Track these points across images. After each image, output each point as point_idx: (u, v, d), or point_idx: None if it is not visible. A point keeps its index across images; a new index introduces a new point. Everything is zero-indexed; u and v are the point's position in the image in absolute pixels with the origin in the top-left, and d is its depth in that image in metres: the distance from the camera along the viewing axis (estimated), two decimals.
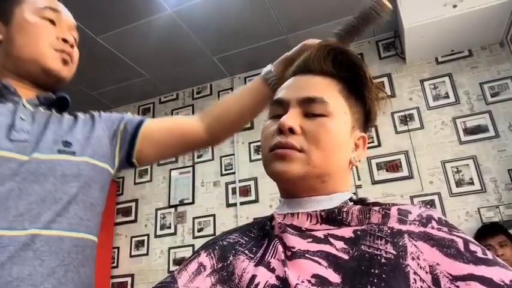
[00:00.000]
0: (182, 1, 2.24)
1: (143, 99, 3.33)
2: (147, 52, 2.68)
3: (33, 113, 0.74)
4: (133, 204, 3.03)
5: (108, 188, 0.82)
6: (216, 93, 3.13)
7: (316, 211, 0.53)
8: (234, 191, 2.75)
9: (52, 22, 0.79)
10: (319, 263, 0.46)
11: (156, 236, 2.86)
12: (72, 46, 0.81)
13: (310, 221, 0.53)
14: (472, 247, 0.44)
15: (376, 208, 0.50)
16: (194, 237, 2.73)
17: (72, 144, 0.73)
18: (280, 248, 0.50)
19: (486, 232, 1.95)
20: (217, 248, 0.56)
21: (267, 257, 0.50)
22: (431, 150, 2.36)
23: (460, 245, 0.44)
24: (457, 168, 2.27)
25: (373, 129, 2.49)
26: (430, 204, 2.24)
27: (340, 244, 0.48)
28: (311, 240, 0.49)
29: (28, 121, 0.71)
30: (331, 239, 0.49)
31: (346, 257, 0.46)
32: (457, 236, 0.45)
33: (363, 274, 0.43)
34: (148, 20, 2.36)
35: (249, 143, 2.84)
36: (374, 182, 2.41)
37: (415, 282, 0.41)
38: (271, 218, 0.59)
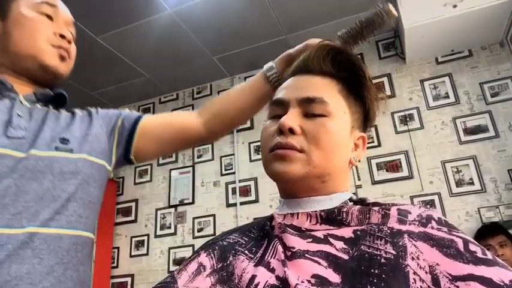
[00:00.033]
0: (182, 1, 2.24)
1: (143, 99, 3.33)
2: (147, 52, 2.68)
3: (30, 109, 0.73)
4: (133, 204, 3.03)
5: (105, 185, 0.81)
6: (216, 93, 3.13)
7: (316, 211, 0.53)
8: (234, 191, 2.75)
9: (49, 17, 0.78)
10: (319, 263, 0.46)
11: (156, 236, 2.86)
12: (69, 42, 0.80)
13: (310, 221, 0.53)
14: (472, 247, 0.44)
15: (376, 208, 0.50)
16: (194, 237, 2.73)
17: (69, 141, 0.72)
18: (280, 248, 0.50)
19: (486, 232, 1.95)
20: (217, 248, 0.56)
21: (266, 257, 0.50)
22: (431, 150, 2.36)
23: (460, 245, 0.44)
24: (457, 168, 2.27)
25: (373, 129, 2.49)
26: (430, 204, 2.24)
27: (340, 244, 0.48)
28: (311, 240, 0.49)
29: (25, 118, 0.70)
30: (331, 239, 0.49)
31: (346, 257, 0.46)
32: (457, 236, 0.45)
33: (362, 274, 0.43)
34: (148, 20, 2.36)
35: (249, 143, 2.84)
36: (374, 182, 2.41)
37: (415, 282, 0.41)
38: (271, 218, 0.59)
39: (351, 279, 0.43)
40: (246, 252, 0.53)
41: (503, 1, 2.06)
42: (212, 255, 0.55)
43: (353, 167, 0.60)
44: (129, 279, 2.81)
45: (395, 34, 2.65)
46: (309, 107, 0.55)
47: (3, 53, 0.75)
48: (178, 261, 2.68)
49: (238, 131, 2.88)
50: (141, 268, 2.82)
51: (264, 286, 0.46)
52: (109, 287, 2.83)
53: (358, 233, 0.48)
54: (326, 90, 0.57)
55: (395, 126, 2.48)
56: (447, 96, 2.44)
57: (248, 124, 2.88)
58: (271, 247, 0.51)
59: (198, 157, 2.97)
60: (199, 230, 2.74)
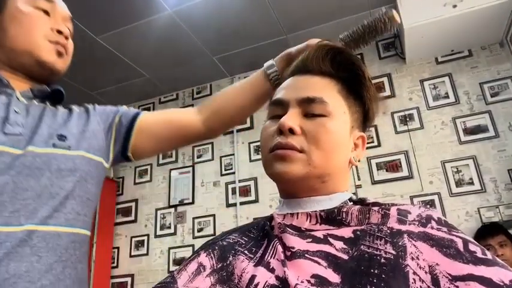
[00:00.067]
0: (182, 1, 2.24)
1: (143, 99, 3.33)
2: (147, 52, 2.68)
3: (27, 105, 0.72)
4: (133, 204, 3.03)
5: (102, 182, 0.80)
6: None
7: (315, 211, 0.53)
8: (234, 191, 2.75)
9: (46, 13, 0.77)
10: (319, 263, 0.46)
11: (156, 236, 2.86)
12: (66, 38, 0.78)
13: (310, 221, 0.53)
14: (472, 247, 0.44)
15: (376, 208, 0.50)
16: (194, 237, 2.73)
17: (67, 138, 0.72)
18: (279, 248, 0.50)
19: (486, 232, 1.95)
20: (216, 248, 0.56)
21: (266, 257, 0.50)
22: (431, 150, 2.36)
23: (460, 245, 0.44)
24: (457, 168, 2.27)
25: (373, 129, 2.49)
26: (430, 204, 2.24)
27: (339, 244, 0.48)
28: (310, 240, 0.49)
29: (22, 114, 0.69)
30: (330, 239, 0.49)
31: (345, 257, 0.46)
32: (457, 236, 0.45)
33: (362, 274, 0.43)
34: (148, 20, 2.36)
35: (249, 143, 2.84)
36: (374, 182, 2.41)
37: (415, 282, 0.41)
38: (270, 218, 0.59)
39: (351, 279, 0.43)
40: (246, 252, 0.53)
41: (503, 1, 2.06)
42: (212, 255, 0.55)
43: (353, 166, 0.60)
44: (129, 279, 2.81)
45: (395, 34, 2.65)
46: (309, 107, 0.55)
47: None
48: (178, 261, 2.68)
49: (238, 131, 2.89)
50: (141, 268, 2.82)
51: (264, 286, 0.46)
52: (109, 287, 2.83)
53: (358, 233, 0.48)
54: (326, 90, 0.57)
55: (395, 126, 2.48)
56: (447, 96, 2.44)
57: (248, 124, 2.88)
58: (271, 247, 0.51)
59: (198, 157, 2.97)
60: (199, 230, 2.74)
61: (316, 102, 0.55)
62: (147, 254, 2.83)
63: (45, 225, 0.63)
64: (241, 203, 2.69)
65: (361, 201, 0.56)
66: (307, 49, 0.69)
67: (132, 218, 2.99)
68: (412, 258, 0.43)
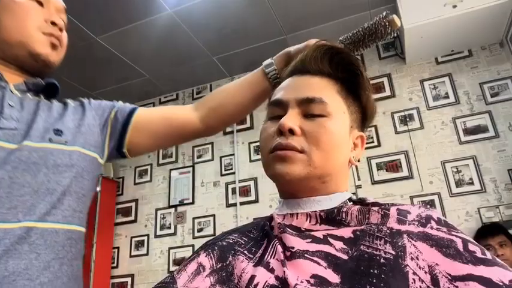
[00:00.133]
0: (182, 1, 2.24)
1: (143, 99, 3.33)
2: (146, 52, 2.68)
3: (21, 99, 0.70)
4: (133, 204, 3.03)
5: (97, 178, 0.78)
6: None
7: (315, 211, 0.53)
8: (234, 191, 2.75)
9: (40, 3, 0.75)
10: (319, 263, 0.46)
11: (156, 236, 2.86)
12: (61, 30, 0.76)
13: (310, 222, 0.53)
14: (471, 247, 0.44)
15: (376, 208, 0.50)
16: (194, 238, 2.73)
17: (63, 133, 0.70)
18: (279, 248, 0.50)
19: (486, 232, 1.95)
20: (216, 248, 0.56)
21: (266, 257, 0.50)
22: (431, 150, 2.36)
23: (459, 245, 0.44)
24: (457, 168, 2.27)
25: (373, 129, 2.50)
26: (430, 204, 2.24)
27: (339, 244, 0.48)
28: (310, 240, 0.49)
29: (17, 108, 0.67)
30: (330, 239, 0.49)
31: (345, 257, 0.46)
32: (456, 236, 0.45)
33: (362, 274, 0.43)
34: (148, 20, 2.36)
35: (249, 143, 2.84)
36: (374, 182, 2.41)
37: (414, 282, 0.41)
38: (270, 218, 0.59)
39: (350, 280, 0.43)
40: (246, 252, 0.53)
41: (503, 1, 2.06)
42: (212, 255, 0.55)
43: (353, 166, 0.60)
44: (129, 279, 2.81)
45: (395, 34, 2.65)
46: (309, 108, 0.55)
47: None
48: (178, 262, 2.68)
49: (238, 131, 2.89)
50: (141, 268, 2.82)
51: (264, 286, 0.45)
52: (109, 287, 2.83)
53: (358, 233, 0.48)
54: (325, 90, 0.57)
55: (395, 126, 2.48)
56: (447, 96, 2.44)
57: (248, 124, 2.88)
58: (270, 247, 0.51)
59: (198, 157, 2.97)
60: (199, 230, 2.74)
61: (316, 103, 0.55)
62: (147, 254, 2.84)
63: (43, 222, 0.62)
64: (241, 203, 2.69)
65: (360, 201, 0.56)
66: (306, 49, 0.69)
67: (132, 218, 2.99)
68: (412, 259, 0.43)
